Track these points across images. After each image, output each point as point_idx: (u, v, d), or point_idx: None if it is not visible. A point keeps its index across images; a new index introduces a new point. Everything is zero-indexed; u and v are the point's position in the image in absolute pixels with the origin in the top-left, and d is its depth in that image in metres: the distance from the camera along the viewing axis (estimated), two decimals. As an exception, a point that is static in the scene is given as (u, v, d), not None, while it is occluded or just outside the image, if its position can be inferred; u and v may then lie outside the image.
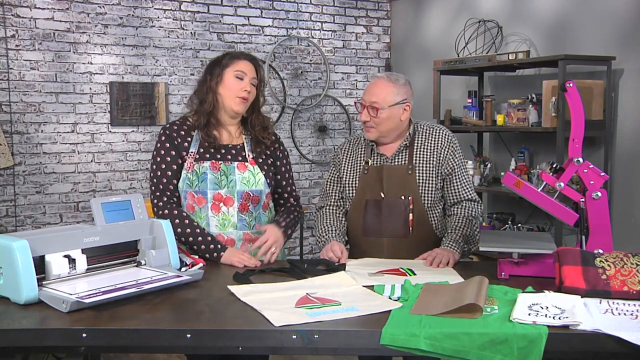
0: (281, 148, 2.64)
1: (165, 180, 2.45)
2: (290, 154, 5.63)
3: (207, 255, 2.38)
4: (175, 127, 2.51)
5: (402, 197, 2.51)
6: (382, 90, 2.48)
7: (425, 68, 5.47)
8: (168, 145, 2.47)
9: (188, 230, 2.38)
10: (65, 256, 1.97)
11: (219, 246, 2.39)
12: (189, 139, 2.48)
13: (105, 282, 1.96)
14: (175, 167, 2.45)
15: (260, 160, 2.53)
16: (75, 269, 1.98)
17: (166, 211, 2.41)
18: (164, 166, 2.45)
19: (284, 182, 2.64)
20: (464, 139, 4.76)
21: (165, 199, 2.44)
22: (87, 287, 1.91)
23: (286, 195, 2.65)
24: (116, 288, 1.88)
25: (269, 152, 2.57)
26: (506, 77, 4.89)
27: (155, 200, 2.45)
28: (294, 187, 2.69)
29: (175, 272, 2.08)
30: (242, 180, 2.46)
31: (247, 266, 2.32)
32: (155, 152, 2.49)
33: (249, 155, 2.51)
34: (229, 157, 2.48)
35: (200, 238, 2.39)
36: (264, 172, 2.51)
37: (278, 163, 2.61)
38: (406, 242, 2.50)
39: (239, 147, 2.52)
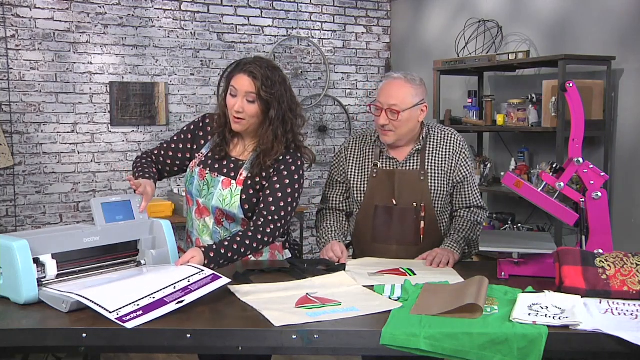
0: (280, 167, 2.30)
1: (163, 145, 2.47)
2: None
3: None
4: (207, 121, 2.46)
5: (414, 204, 2.45)
6: (400, 92, 2.37)
7: (425, 68, 5.46)
8: (192, 127, 2.47)
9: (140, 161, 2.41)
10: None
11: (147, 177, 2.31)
12: (209, 137, 2.44)
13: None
14: (181, 145, 2.45)
15: (250, 182, 2.31)
16: (44, 273, 1.90)
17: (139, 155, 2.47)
18: (175, 138, 2.47)
19: (261, 198, 2.28)
20: (464, 139, 4.74)
21: (149, 153, 2.47)
22: (115, 298, 1.77)
23: (257, 210, 2.27)
24: (155, 301, 1.76)
25: (264, 174, 2.31)
26: (506, 77, 4.89)
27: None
28: (273, 208, 2.24)
29: (205, 270, 1.94)
30: (219, 196, 2.32)
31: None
32: (185, 126, 2.52)
33: (241, 174, 2.32)
34: (225, 170, 2.36)
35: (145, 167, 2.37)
36: (244, 196, 2.29)
37: (264, 183, 2.31)
38: (416, 250, 2.44)
39: (240, 163, 2.36)
